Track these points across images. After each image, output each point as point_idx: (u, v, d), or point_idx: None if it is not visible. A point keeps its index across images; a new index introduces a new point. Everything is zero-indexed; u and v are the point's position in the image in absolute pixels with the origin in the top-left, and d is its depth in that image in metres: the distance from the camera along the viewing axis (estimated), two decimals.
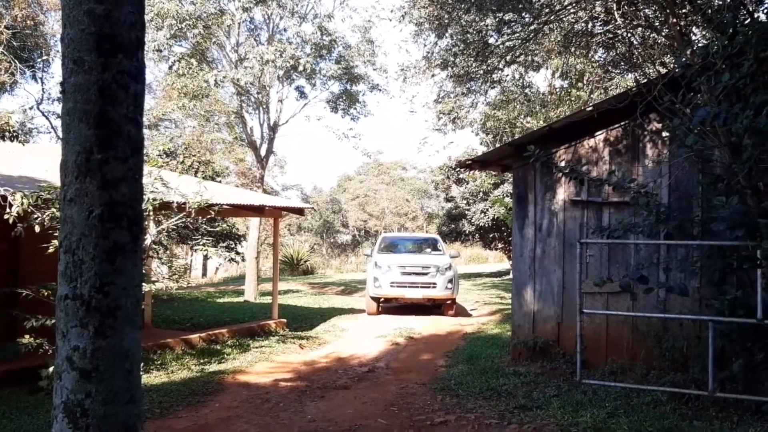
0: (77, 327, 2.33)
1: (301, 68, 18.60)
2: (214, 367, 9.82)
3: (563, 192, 9.16)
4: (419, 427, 6.67)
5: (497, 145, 16.09)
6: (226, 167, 32.39)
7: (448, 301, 15.74)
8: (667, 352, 7.64)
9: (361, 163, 61.85)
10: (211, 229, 22.35)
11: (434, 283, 15.41)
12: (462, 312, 16.72)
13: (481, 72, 14.32)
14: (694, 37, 9.56)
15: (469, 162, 10.56)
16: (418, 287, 15.44)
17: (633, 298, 8.28)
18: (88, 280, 2.33)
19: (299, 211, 15.52)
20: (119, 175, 2.38)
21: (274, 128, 21.59)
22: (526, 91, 18.63)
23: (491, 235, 29.29)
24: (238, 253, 25.72)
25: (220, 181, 23.23)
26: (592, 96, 16.48)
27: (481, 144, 25.66)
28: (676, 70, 6.89)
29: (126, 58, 2.40)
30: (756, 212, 6.00)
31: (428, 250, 17.86)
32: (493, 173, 24.62)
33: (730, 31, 5.77)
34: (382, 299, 15.88)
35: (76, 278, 2.34)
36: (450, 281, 15.47)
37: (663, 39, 10.32)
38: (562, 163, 8.88)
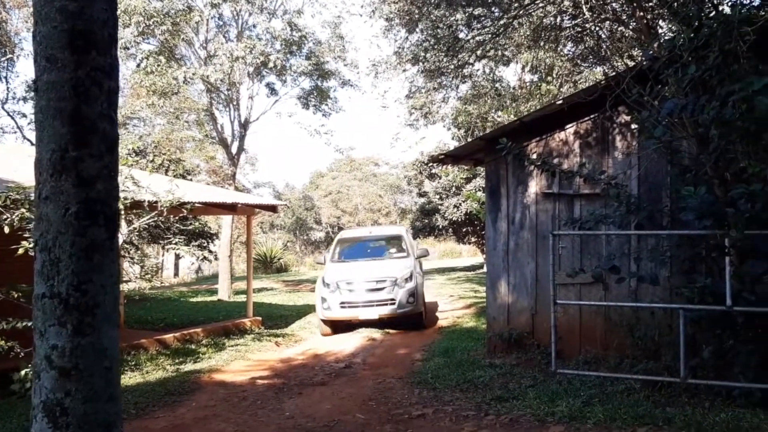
0: (55, 325, 2.31)
1: (271, 65, 18.53)
2: (189, 366, 9.77)
3: (535, 185, 9.24)
4: (397, 420, 6.71)
5: (469, 140, 16.16)
6: (197, 165, 32.12)
7: (413, 317, 13.32)
8: (639, 340, 7.75)
9: (333, 160, 61.72)
10: (184, 228, 22.16)
11: (392, 300, 12.88)
12: (431, 320, 14.38)
13: (452, 67, 14.39)
14: (660, 30, 9.71)
15: (442, 156, 10.62)
16: (373, 306, 12.88)
17: (605, 289, 8.40)
18: (66, 278, 2.32)
19: (272, 208, 15.48)
20: (95, 172, 2.37)
21: (245, 125, 21.49)
22: (497, 85, 18.74)
23: (464, 230, 29.47)
24: (210, 251, 25.55)
25: (191, 180, 23.05)
26: (561, 89, 16.65)
27: (452, 139, 25.78)
28: (644, 63, 7.00)
29: (99, 55, 2.39)
30: (723, 202, 6.12)
31: (392, 250, 14.97)
32: (465, 168, 24.77)
33: (696, 23, 5.88)
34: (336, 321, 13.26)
35: (53, 276, 2.32)
36: (412, 294, 13.04)
37: (630, 32, 10.46)
38: (534, 156, 8.97)
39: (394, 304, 12.88)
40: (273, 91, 22.12)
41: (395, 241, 15.37)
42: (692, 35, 5.77)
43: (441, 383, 8.14)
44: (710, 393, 6.62)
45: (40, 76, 2.35)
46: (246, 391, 8.22)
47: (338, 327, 13.22)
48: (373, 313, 12.82)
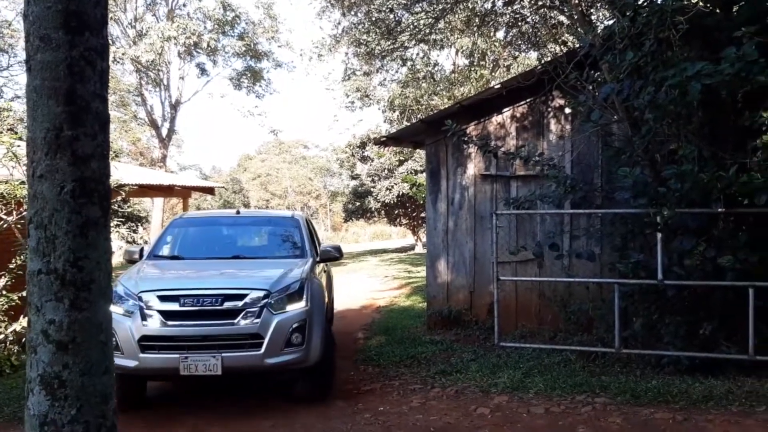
0: (52, 301, 2.36)
1: (204, 45, 18.22)
2: None
3: (473, 167, 9.52)
4: (347, 396, 6.88)
5: (404, 123, 16.42)
6: (120, 147, 31.30)
7: (303, 373, 6.51)
8: (573, 315, 8.16)
9: (261, 142, 61.16)
10: (116, 211, 21.61)
11: (254, 336, 6.10)
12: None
13: (390, 49, 14.51)
14: (594, 18, 10.10)
15: (384, 138, 10.79)
16: (210, 349, 6.04)
17: (540, 266, 8.78)
18: (62, 254, 2.37)
19: (210, 191, 15.31)
20: (89, 151, 2.42)
21: (175, 106, 21.09)
22: (433, 70, 18.97)
23: (396, 212, 29.79)
24: (135, 234, 24.97)
25: (120, 162, 22.49)
26: (493, 74, 17.03)
27: (385, 122, 25.99)
28: (580, 50, 7.33)
29: (92, 35, 2.42)
30: (654, 181, 6.53)
31: (277, 248, 8.22)
32: (397, 150, 25.07)
33: (631, 12, 6.22)
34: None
35: (49, 253, 2.37)
36: (299, 328, 6.27)
37: (565, 19, 10.83)
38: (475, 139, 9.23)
39: (258, 346, 6.11)
40: (204, 71, 21.82)
41: (284, 231, 8.42)
42: (629, 23, 6.11)
43: (385, 360, 8.34)
44: (641, 362, 7.08)
45: (33, 56, 2.37)
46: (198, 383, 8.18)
47: (145, 385, 6.68)
48: (212, 363, 5.98)
